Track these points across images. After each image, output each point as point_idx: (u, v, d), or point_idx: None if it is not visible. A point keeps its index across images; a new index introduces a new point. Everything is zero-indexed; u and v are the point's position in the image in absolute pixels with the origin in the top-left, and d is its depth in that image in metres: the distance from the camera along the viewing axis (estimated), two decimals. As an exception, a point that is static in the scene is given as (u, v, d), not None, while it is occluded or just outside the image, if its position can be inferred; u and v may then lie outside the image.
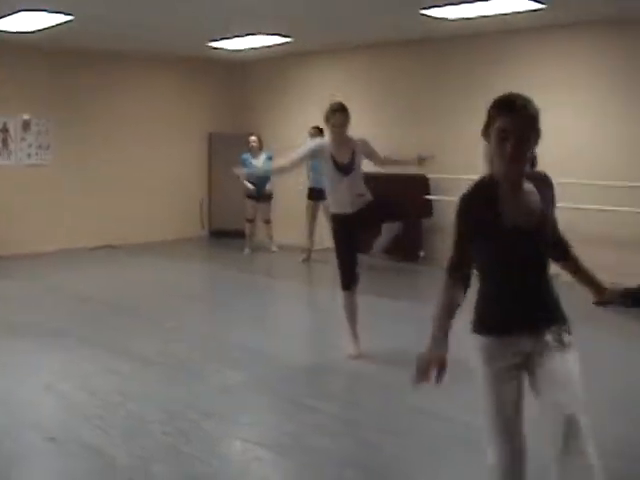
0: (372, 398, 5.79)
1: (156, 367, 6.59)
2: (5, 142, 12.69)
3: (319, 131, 11.15)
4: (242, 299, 9.40)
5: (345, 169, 6.64)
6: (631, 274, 9.44)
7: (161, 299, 9.48)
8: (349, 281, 6.72)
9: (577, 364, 3.07)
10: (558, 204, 3.16)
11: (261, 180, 12.63)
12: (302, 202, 12.17)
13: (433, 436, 4.86)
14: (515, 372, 3.10)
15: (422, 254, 11.69)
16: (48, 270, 11.41)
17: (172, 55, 13.97)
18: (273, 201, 13.01)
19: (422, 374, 2.98)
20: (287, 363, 6.78)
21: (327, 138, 6.86)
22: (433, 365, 2.98)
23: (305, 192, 12.07)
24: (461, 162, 10.32)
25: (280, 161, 7.62)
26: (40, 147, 13.03)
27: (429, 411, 5.21)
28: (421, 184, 11.53)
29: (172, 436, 4.97)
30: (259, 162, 12.60)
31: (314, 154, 6.80)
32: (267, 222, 13.04)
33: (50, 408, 5.58)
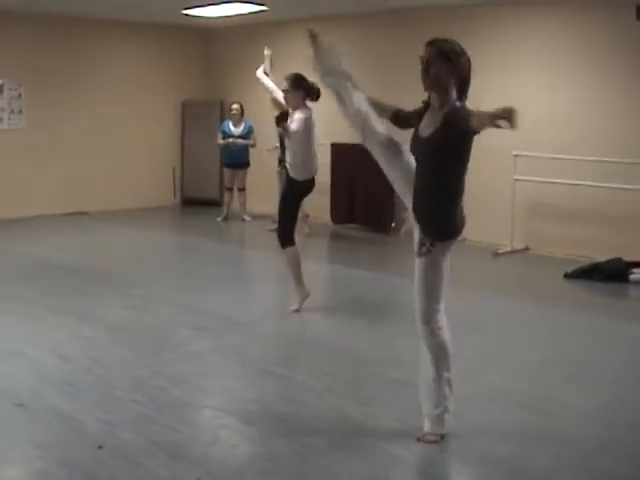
0: (340, 367, 5.83)
1: (125, 334, 6.60)
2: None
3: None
4: (212, 268, 9.41)
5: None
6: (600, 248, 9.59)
7: (131, 267, 9.47)
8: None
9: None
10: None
11: (240, 149, 12.64)
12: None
13: (401, 403, 4.91)
14: None
15: (393, 225, 11.74)
16: (17, 237, 11.34)
17: (146, 22, 13.86)
18: (249, 169, 13.01)
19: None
20: (256, 331, 6.83)
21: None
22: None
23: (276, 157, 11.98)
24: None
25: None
26: (13, 112, 12.92)
27: (398, 379, 5.26)
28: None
29: (141, 403, 4.99)
30: (240, 130, 12.59)
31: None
32: (241, 190, 13.05)
33: (19, 374, 5.57)
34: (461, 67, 4.07)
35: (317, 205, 11.59)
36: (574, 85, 10.13)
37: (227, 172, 13.12)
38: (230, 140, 12.59)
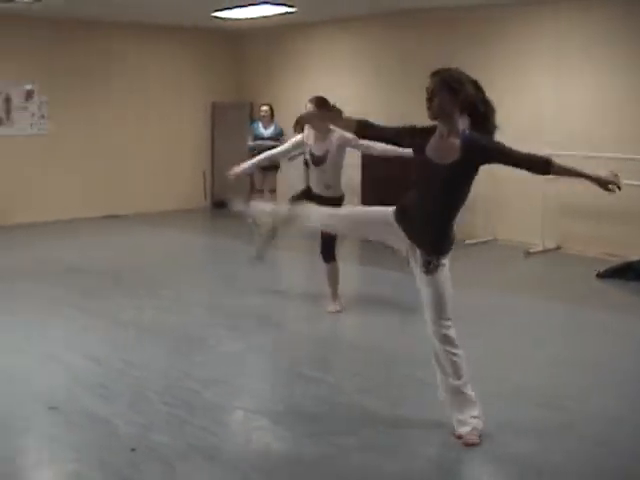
0: (371, 367, 5.84)
1: (157, 336, 6.65)
2: (7, 112, 12.70)
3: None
4: (244, 269, 9.42)
5: (317, 161, 7.22)
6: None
7: (163, 269, 9.54)
8: None
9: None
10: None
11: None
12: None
13: (430, 404, 4.91)
14: None
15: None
16: (49, 240, 11.44)
17: (175, 25, 13.92)
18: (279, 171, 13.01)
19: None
20: (287, 332, 6.87)
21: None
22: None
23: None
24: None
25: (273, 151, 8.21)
26: (42, 117, 13.04)
27: (428, 380, 5.26)
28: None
29: (174, 405, 5.03)
30: (269, 132, 12.58)
31: (297, 146, 7.51)
32: (272, 192, 13.05)
33: (53, 377, 5.62)
34: (465, 95, 4.21)
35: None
36: (609, 84, 10.05)
37: (257, 174, 13.12)
38: (259, 142, 12.60)
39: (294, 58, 14.15)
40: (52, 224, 12.60)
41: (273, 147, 12.46)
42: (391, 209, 4.55)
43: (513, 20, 10.88)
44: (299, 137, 7.33)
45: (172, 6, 11.65)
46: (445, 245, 4.43)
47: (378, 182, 11.98)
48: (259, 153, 12.58)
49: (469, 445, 4.37)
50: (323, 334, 6.91)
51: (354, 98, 11.65)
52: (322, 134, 7.15)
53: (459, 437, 4.44)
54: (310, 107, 7.12)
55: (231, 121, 14.80)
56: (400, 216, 4.50)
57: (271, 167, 12.82)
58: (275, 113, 12.72)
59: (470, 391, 4.47)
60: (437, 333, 4.45)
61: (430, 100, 4.25)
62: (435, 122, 4.32)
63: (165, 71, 14.32)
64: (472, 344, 5.03)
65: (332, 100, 7.04)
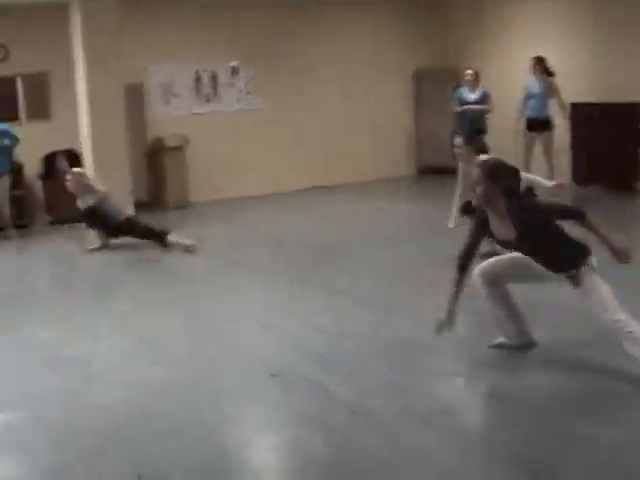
0: None
1: (372, 304, 6.73)
2: (215, 89, 13.20)
3: (539, 61, 11.13)
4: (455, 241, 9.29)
5: None
6: None
7: (374, 239, 9.52)
8: None
9: None
10: None
11: (476, 115, 12.35)
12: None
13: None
14: None
15: (639, 186, 11.24)
16: (259, 213, 11.81)
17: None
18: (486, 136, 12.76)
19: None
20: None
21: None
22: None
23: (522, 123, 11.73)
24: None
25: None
26: (249, 92, 13.46)
27: None
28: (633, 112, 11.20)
29: (390, 371, 5.10)
30: (474, 97, 12.34)
31: None
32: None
33: (273, 345, 5.84)
34: (504, 182, 4.81)
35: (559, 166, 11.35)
36: None
37: (457, 140, 12.90)
38: (466, 107, 12.42)
39: (498, 21, 13.82)
40: (259, 198, 12.96)
41: (479, 112, 12.36)
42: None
43: None
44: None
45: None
46: (575, 257, 4.78)
47: (588, 141, 11.64)
48: (465, 118, 12.52)
49: None
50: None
51: (564, 65, 11.36)
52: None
53: None
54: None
55: (435, 87, 14.68)
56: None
57: (478, 131, 12.55)
58: (480, 77, 12.46)
59: None
60: (619, 332, 4.66)
61: (476, 189, 4.84)
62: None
63: (367, 39, 14.35)
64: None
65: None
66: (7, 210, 10.71)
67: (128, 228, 9.49)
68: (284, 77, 13.60)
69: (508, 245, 5.02)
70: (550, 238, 4.83)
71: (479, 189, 4.81)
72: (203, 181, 12.86)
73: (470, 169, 7.26)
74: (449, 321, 5.02)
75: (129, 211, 10.21)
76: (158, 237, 9.21)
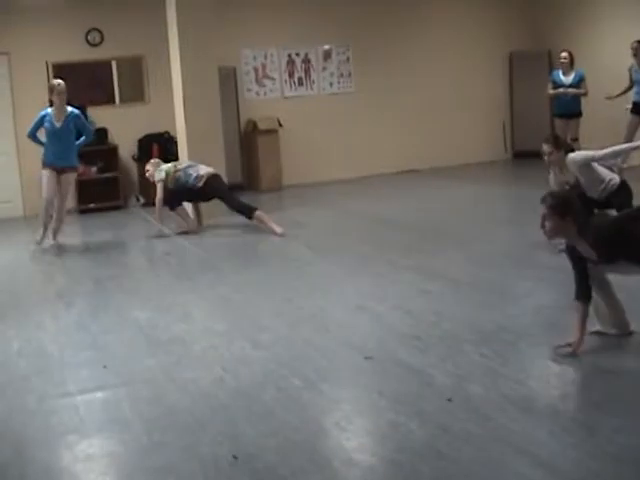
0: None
1: (468, 288, 6.65)
2: (307, 72, 13.20)
3: None
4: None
5: None
6: None
7: (467, 221, 9.47)
8: None
9: None
10: None
11: (572, 98, 12.14)
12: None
13: None
14: None
15: None
16: (350, 196, 11.80)
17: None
18: (581, 119, 12.50)
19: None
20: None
21: None
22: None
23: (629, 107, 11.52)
24: None
25: None
26: (342, 76, 13.43)
27: None
28: None
29: (488, 357, 4.99)
30: (570, 79, 12.11)
31: None
32: (574, 140, 12.60)
33: (366, 328, 5.78)
34: (571, 214, 4.79)
35: None
36: None
37: (559, 123, 12.69)
38: (561, 90, 12.17)
39: (595, 2, 13.47)
40: (351, 181, 12.97)
41: (575, 95, 12.13)
42: None
43: None
44: None
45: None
46: None
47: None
48: (559, 101, 12.31)
49: None
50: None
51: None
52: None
53: None
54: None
55: (529, 70, 14.43)
56: None
57: (573, 114, 12.34)
58: (575, 59, 12.22)
59: None
60: None
61: (543, 225, 4.88)
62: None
63: (460, 22, 14.20)
64: None
65: None
66: (64, 206, 9.64)
67: (212, 190, 9.57)
68: (377, 61, 13.57)
69: (598, 263, 4.93)
70: (631, 245, 4.78)
71: (548, 224, 4.84)
72: (295, 164, 12.91)
73: (563, 173, 7.23)
74: (577, 346, 4.89)
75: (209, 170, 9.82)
76: (245, 208, 9.37)
